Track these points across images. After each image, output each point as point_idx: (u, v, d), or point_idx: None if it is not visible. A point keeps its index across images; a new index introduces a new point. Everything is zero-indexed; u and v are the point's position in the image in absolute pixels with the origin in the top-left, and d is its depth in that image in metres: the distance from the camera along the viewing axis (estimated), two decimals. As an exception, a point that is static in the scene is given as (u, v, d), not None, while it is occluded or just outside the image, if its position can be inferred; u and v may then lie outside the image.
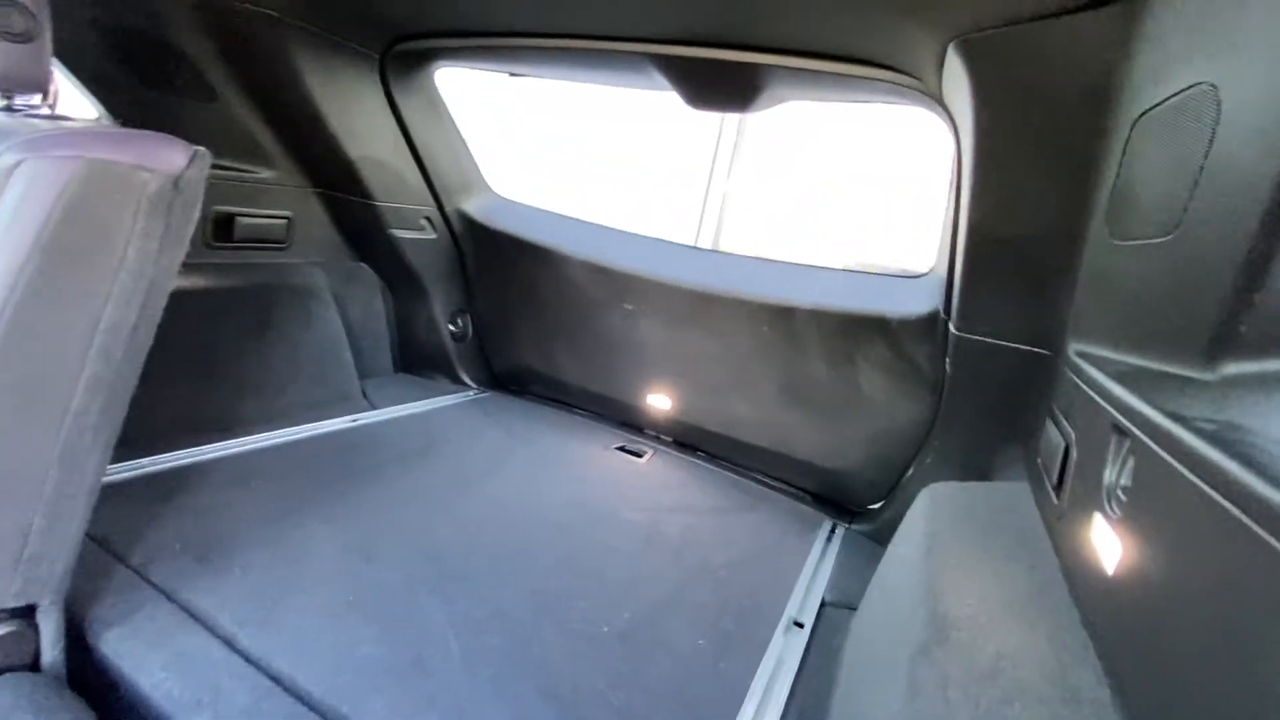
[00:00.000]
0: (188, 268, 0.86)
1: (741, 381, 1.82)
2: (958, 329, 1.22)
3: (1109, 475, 0.65)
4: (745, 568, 1.36)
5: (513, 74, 1.84)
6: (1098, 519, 0.66)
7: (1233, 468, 0.43)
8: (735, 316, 1.74)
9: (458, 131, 2.05)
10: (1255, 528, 0.39)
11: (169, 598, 0.96)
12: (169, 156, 0.81)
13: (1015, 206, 1.01)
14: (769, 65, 1.27)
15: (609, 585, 1.20)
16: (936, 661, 0.66)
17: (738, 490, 1.77)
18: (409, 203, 1.96)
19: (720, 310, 1.75)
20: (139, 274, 0.79)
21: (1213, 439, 0.47)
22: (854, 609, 1.23)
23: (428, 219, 2.04)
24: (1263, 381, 0.51)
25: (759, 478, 1.89)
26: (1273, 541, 0.37)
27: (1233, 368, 0.55)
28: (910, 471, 1.58)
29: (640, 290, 1.86)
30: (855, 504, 1.78)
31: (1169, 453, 0.52)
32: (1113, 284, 0.81)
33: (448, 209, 2.06)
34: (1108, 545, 0.62)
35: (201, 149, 0.84)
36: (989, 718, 0.58)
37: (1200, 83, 0.61)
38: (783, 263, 1.85)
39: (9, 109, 0.92)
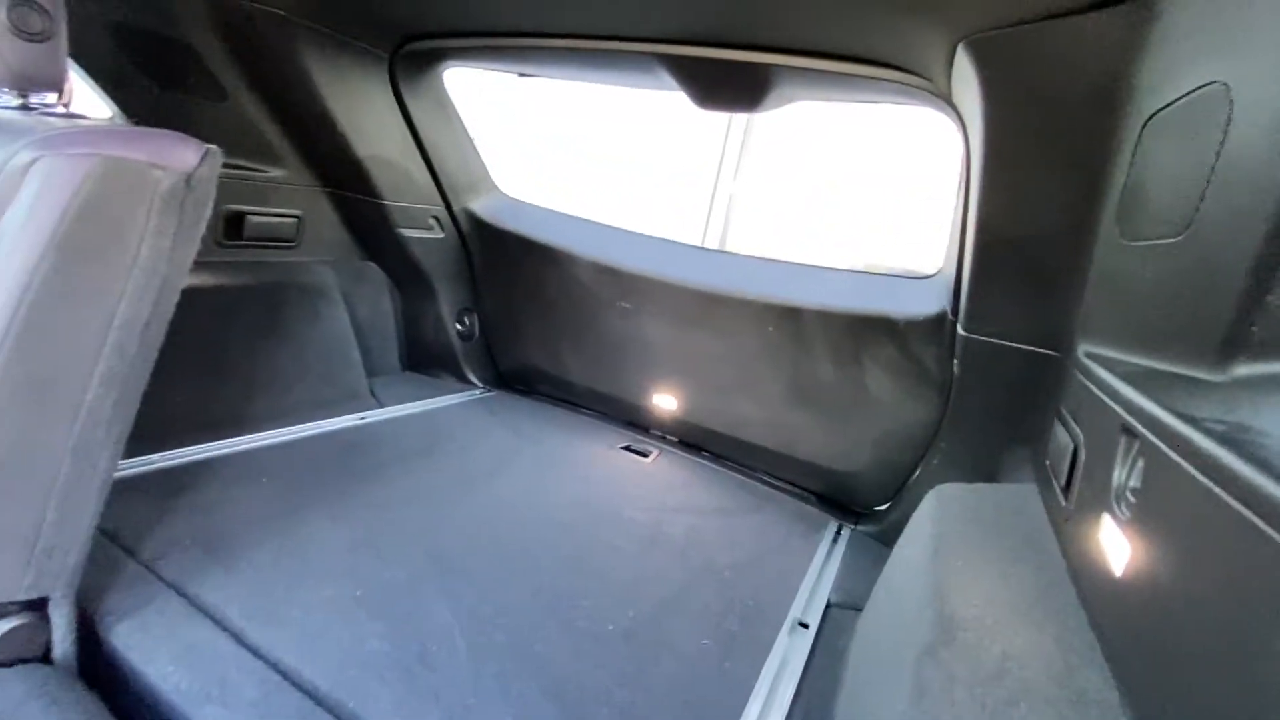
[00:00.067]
0: (199, 266, 0.87)
1: (747, 382, 1.82)
2: (966, 330, 1.21)
3: (1118, 476, 0.65)
4: (750, 568, 1.36)
5: (521, 74, 1.85)
6: (1106, 520, 0.65)
7: (1243, 469, 0.42)
8: (741, 317, 1.74)
9: (466, 131, 2.05)
10: (1266, 529, 0.39)
11: (178, 592, 0.97)
12: (181, 154, 0.82)
13: (1024, 207, 1.00)
14: (777, 65, 1.27)
15: (613, 584, 1.21)
16: (943, 662, 0.66)
17: (743, 491, 1.77)
18: (417, 202, 1.97)
19: (726, 310, 1.75)
20: (152, 270, 0.80)
21: (1223, 440, 0.46)
22: (859, 610, 1.22)
23: (435, 218, 2.05)
24: (1274, 382, 0.51)
25: (764, 478, 1.89)
26: None
27: (1244, 369, 0.55)
28: (917, 473, 1.57)
29: (646, 290, 1.86)
30: (861, 505, 1.78)
31: (1179, 454, 0.51)
32: (1122, 285, 0.81)
33: (455, 208, 2.07)
34: (1116, 547, 0.62)
35: (213, 147, 0.85)
36: (995, 718, 0.58)
37: (1212, 82, 0.61)
38: (789, 263, 1.85)
39: (25, 107, 0.93)
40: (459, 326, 2.22)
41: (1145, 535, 0.57)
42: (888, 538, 1.51)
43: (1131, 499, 0.62)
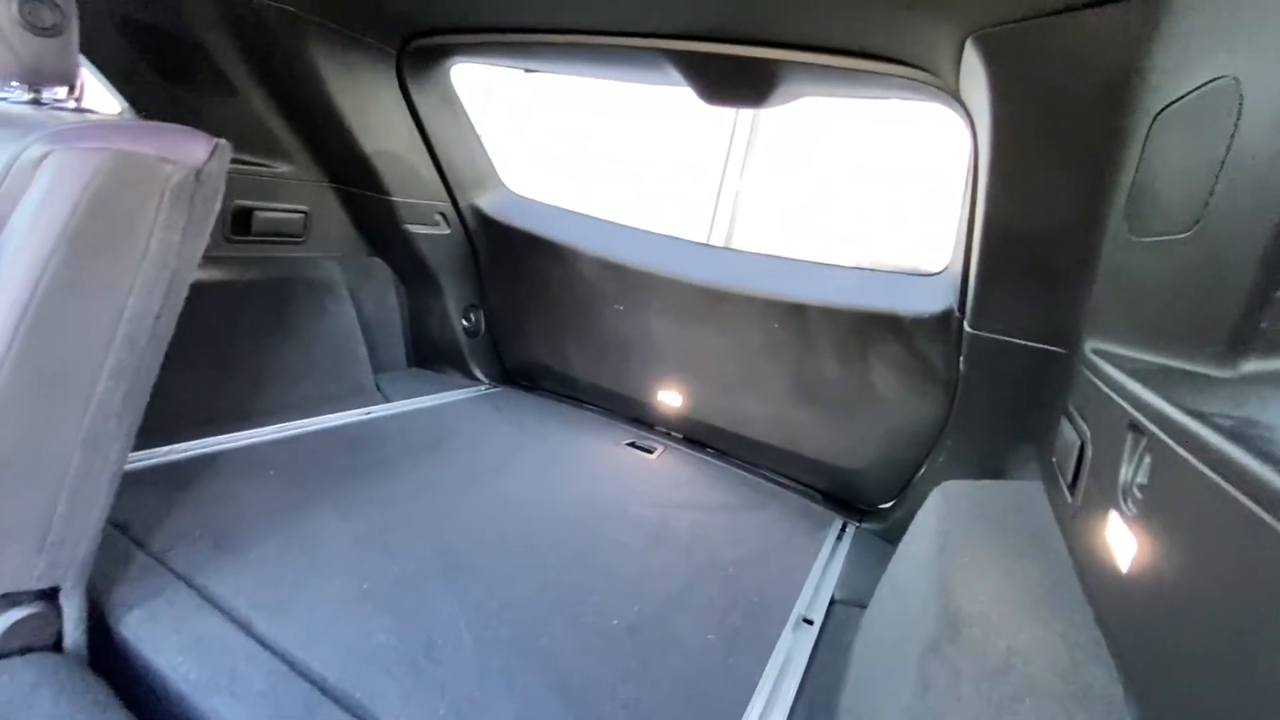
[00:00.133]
0: (207, 260, 0.88)
1: (753, 379, 1.82)
2: (972, 327, 1.21)
3: (1125, 473, 0.64)
4: (755, 565, 1.36)
5: (528, 70, 1.85)
6: (1113, 516, 0.65)
7: (1252, 463, 0.42)
8: (747, 314, 1.74)
9: (472, 128, 2.06)
10: (1275, 523, 0.39)
11: (187, 583, 0.98)
12: (191, 149, 0.82)
13: (1032, 203, 1.00)
14: (784, 61, 1.27)
15: (619, 580, 1.21)
16: (948, 657, 0.66)
17: (748, 488, 1.77)
18: (424, 198, 1.98)
19: (732, 307, 1.75)
20: (162, 264, 0.80)
21: (1231, 435, 0.46)
22: (864, 607, 1.22)
23: (442, 214, 2.06)
24: None
25: (769, 475, 1.89)
26: None
27: (1253, 365, 0.54)
28: (922, 470, 1.57)
29: (652, 287, 1.86)
30: (866, 503, 1.77)
31: (1187, 449, 0.51)
32: (1131, 281, 0.80)
33: (462, 205, 2.08)
34: (1122, 543, 0.62)
35: (222, 141, 0.85)
36: (1000, 713, 0.58)
37: (1222, 76, 0.61)
38: (795, 260, 1.85)
39: (36, 102, 0.94)
40: (465, 323, 2.22)
41: (1152, 531, 0.57)
42: (892, 535, 1.50)
43: (1138, 495, 0.62)
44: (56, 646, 0.84)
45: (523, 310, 2.20)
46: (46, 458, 0.78)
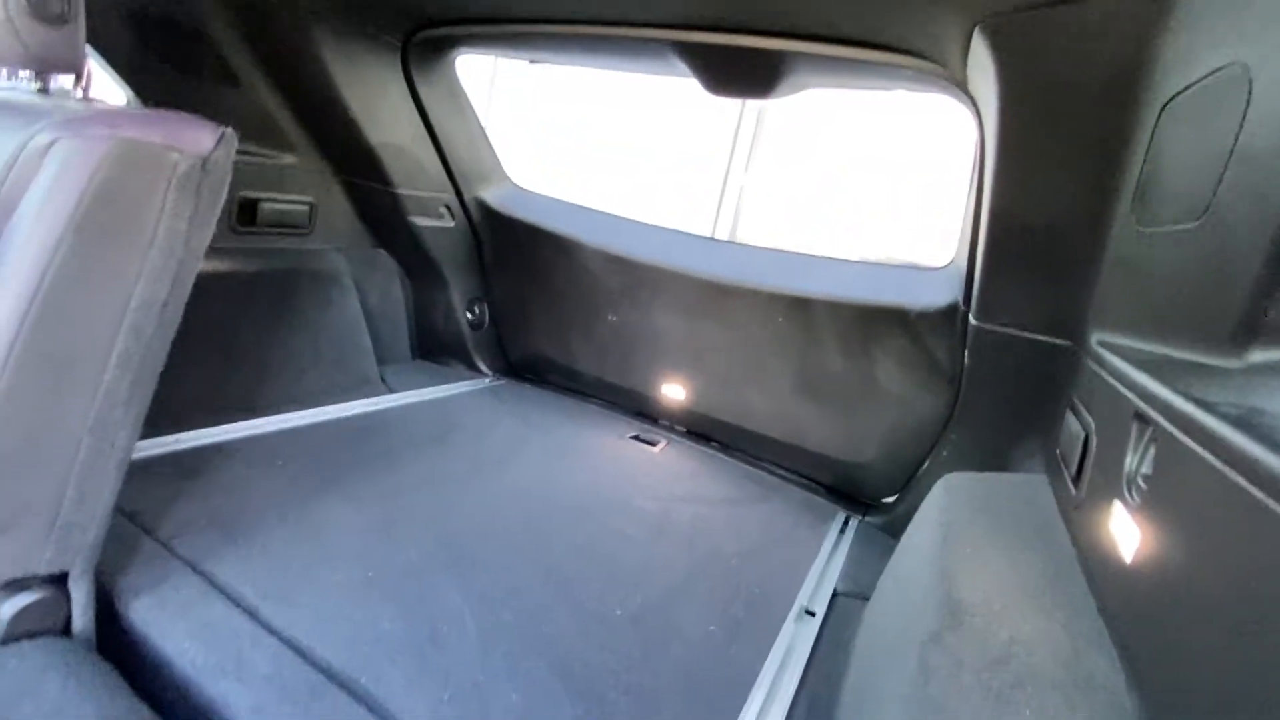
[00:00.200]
0: (214, 251, 0.88)
1: (757, 373, 1.82)
2: (977, 319, 1.20)
3: (1130, 463, 0.64)
4: (757, 557, 1.36)
5: (533, 61, 1.85)
6: (1117, 507, 0.65)
7: (1259, 451, 0.42)
8: (751, 308, 1.73)
9: (477, 120, 2.06)
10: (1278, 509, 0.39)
11: (194, 570, 0.98)
12: (197, 137, 0.82)
13: (1039, 194, 0.99)
14: (790, 51, 1.26)
15: (622, 570, 1.21)
16: (949, 647, 0.66)
17: (751, 481, 1.77)
18: (428, 190, 1.98)
19: (736, 301, 1.75)
20: (169, 252, 0.81)
21: (1237, 423, 0.46)
22: (866, 599, 1.23)
23: (447, 207, 2.06)
24: None
25: (772, 469, 1.89)
26: None
27: (1259, 355, 0.54)
28: (926, 464, 1.57)
29: (656, 281, 1.86)
30: (869, 497, 1.77)
31: (1193, 438, 0.51)
32: (1137, 272, 0.80)
33: (466, 197, 2.08)
34: (1126, 533, 0.62)
35: (228, 130, 0.85)
36: (1001, 702, 0.58)
37: (1231, 64, 0.60)
38: (799, 254, 1.84)
39: (44, 91, 0.95)
40: (469, 315, 2.23)
41: (1156, 521, 0.57)
42: (896, 529, 1.50)
43: (1143, 485, 0.61)
44: (65, 631, 0.84)
45: (527, 303, 2.21)
46: (55, 444, 0.78)
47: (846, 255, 1.82)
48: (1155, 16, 0.76)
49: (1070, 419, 0.91)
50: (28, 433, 0.76)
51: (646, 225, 2.03)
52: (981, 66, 0.95)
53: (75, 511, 0.81)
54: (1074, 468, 0.84)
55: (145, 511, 1.09)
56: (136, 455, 0.95)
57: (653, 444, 1.89)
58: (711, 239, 2.08)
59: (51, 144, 0.76)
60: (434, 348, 2.27)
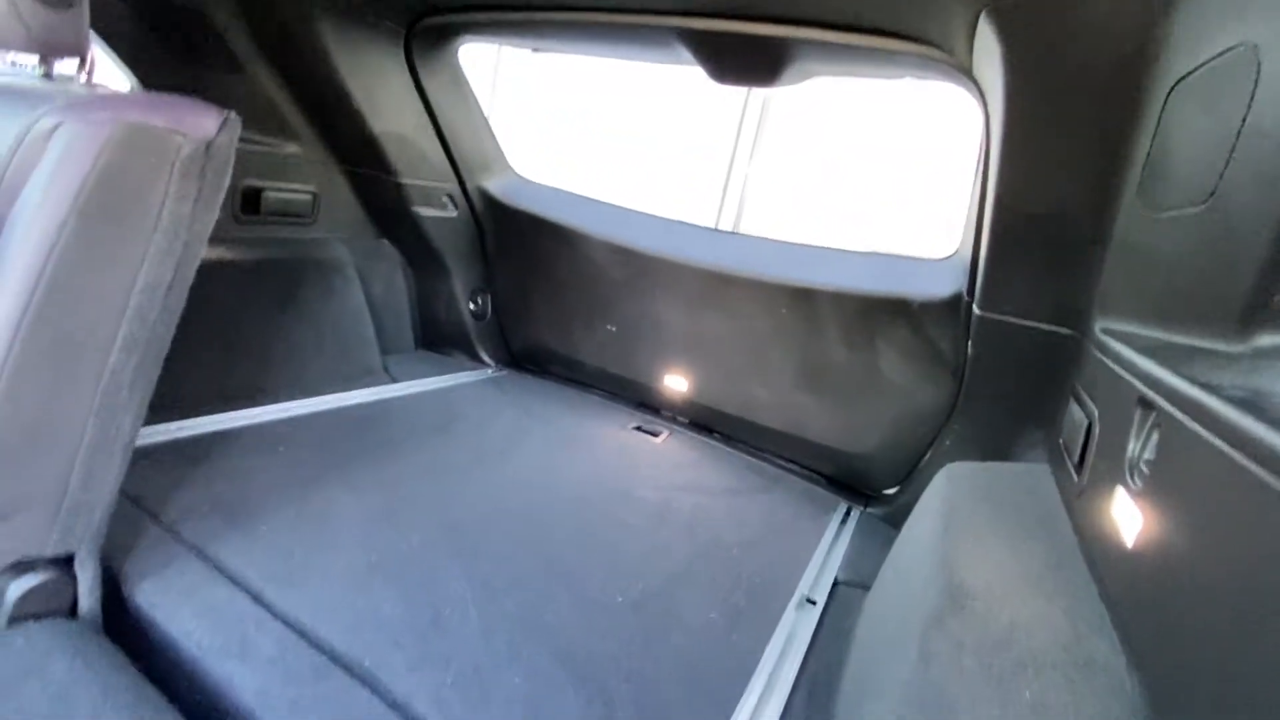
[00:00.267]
0: (218, 240, 0.89)
1: (759, 364, 1.82)
2: (981, 309, 1.20)
3: (1132, 449, 0.64)
4: (758, 546, 1.37)
5: (536, 49, 1.84)
6: (1119, 492, 0.65)
7: (1263, 431, 0.42)
8: (754, 298, 1.73)
9: (480, 110, 2.05)
10: None
11: (199, 554, 0.99)
12: (201, 121, 0.82)
13: (1045, 181, 0.99)
14: (796, 38, 1.25)
15: (623, 558, 1.22)
16: (950, 631, 0.66)
17: (752, 472, 1.77)
18: (431, 180, 1.98)
19: (739, 292, 1.75)
20: (173, 236, 0.81)
21: (1242, 405, 0.46)
22: (867, 589, 1.23)
23: (450, 197, 2.06)
24: None
25: (774, 460, 1.89)
26: None
27: (1265, 339, 0.54)
28: (928, 456, 1.57)
29: (659, 271, 1.86)
30: (871, 488, 1.78)
31: (1196, 420, 0.51)
32: (1142, 257, 0.79)
33: (469, 187, 2.07)
34: (1129, 518, 0.62)
35: (232, 114, 0.85)
36: (1002, 684, 0.58)
37: (1239, 44, 0.60)
38: (803, 245, 1.84)
39: (47, 76, 0.95)
40: (472, 306, 2.23)
41: (1159, 504, 0.57)
42: (897, 520, 1.50)
43: (1145, 471, 0.61)
44: (71, 613, 0.85)
45: (529, 294, 2.21)
46: (60, 426, 0.79)
47: (852, 246, 1.81)
48: None
49: (1073, 407, 0.91)
50: (34, 416, 0.76)
51: (649, 215, 2.02)
52: (988, 52, 0.94)
53: (81, 494, 0.82)
54: (1077, 455, 0.84)
55: (150, 496, 1.10)
56: (141, 441, 0.96)
57: (655, 435, 1.89)
58: (714, 229, 2.08)
59: (55, 128, 0.76)
60: (437, 338, 2.28)
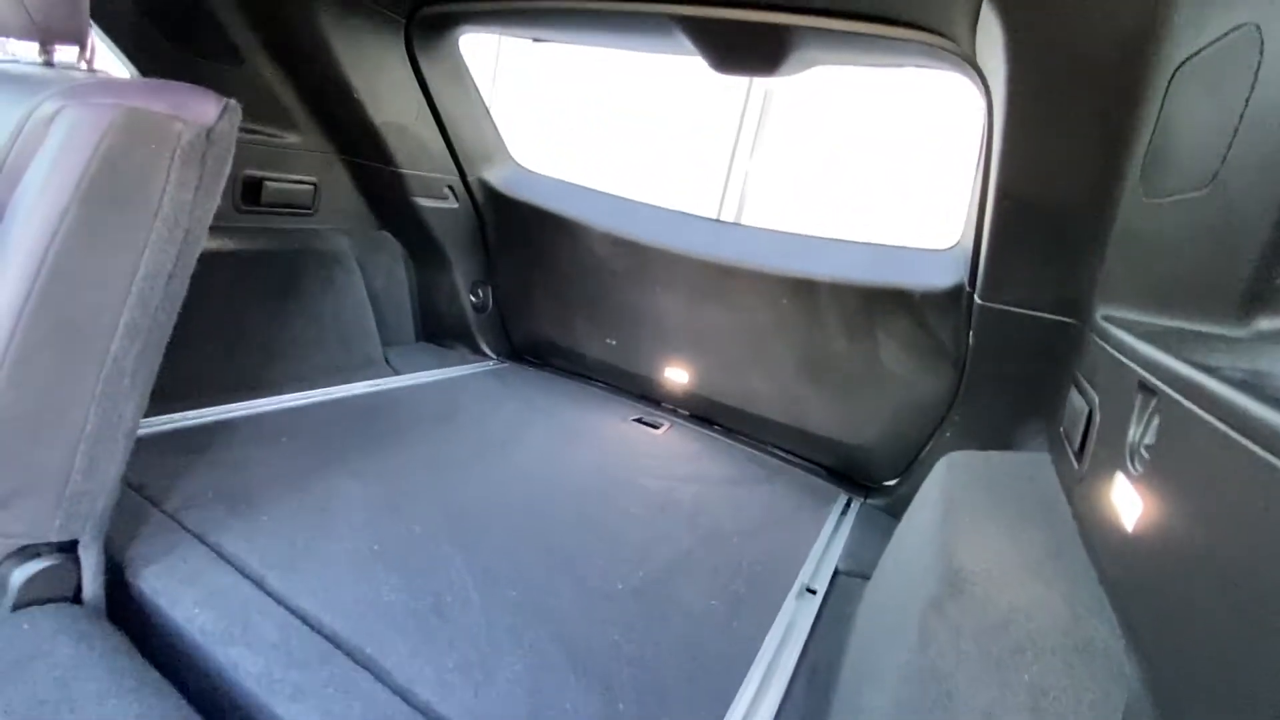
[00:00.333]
0: (220, 230, 0.89)
1: (760, 355, 1.82)
2: (983, 299, 1.20)
3: (1133, 434, 0.64)
4: (759, 536, 1.37)
5: (536, 39, 1.83)
6: (1119, 478, 0.65)
7: (1263, 411, 0.42)
8: (755, 290, 1.73)
9: (481, 100, 2.05)
10: None
11: (201, 541, 1.00)
12: (201, 108, 0.82)
13: (1047, 169, 0.98)
14: (797, 26, 1.25)
15: (624, 546, 1.22)
16: (949, 614, 0.66)
17: (753, 463, 1.78)
18: (432, 171, 1.97)
19: (740, 283, 1.75)
20: (174, 223, 0.81)
21: (1242, 387, 0.46)
22: (868, 578, 1.23)
23: (450, 188, 2.05)
24: None
25: (775, 451, 1.89)
26: None
27: (1266, 322, 0.54)
28: (929, 447, 1.57)
29: (660, 263, 1.85)
30: (872, 479, 1.78)
31: (1196, 403, 0.51)
32: (1144, 244, 0.79)
33: (470, 178, 2.07)
34: (1128, 503, 0.62)
35: (232, 101, 0.85)
36: (1000, 667, 0.58)
37: (1242, 25, 0.59)
38: (804, 236, 1.83)
39: (48, 64, 0.94)
40: (473, 298, 2.23)
41: (1158, 488, 0.57)
42: (898, 510, 1.51)
43: (1145, 455, 0.61)
44: (75, 598, 0.86)
45: (530, 286, 2.21)
46: (63, 412, 0.79)
47: (853, 236, 1.80)
48: None
49: (1074, 395, 0.91)
50: (37, 401, 0.77)
51: (650, 206, 2.02)
52: (991, 38, 0.94)
53: (84, 480, 0.82)
54: (1077, 443, 0.84)
55: (153, 485, 1.10)
56: (143, 431, 0.96)
57: (656, 427, 1.89)
58: (716, 220, 2.07)
59: (57, 113, 0.76)
60: (438, 330, 2.28)
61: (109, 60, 1.49)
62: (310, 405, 1.59)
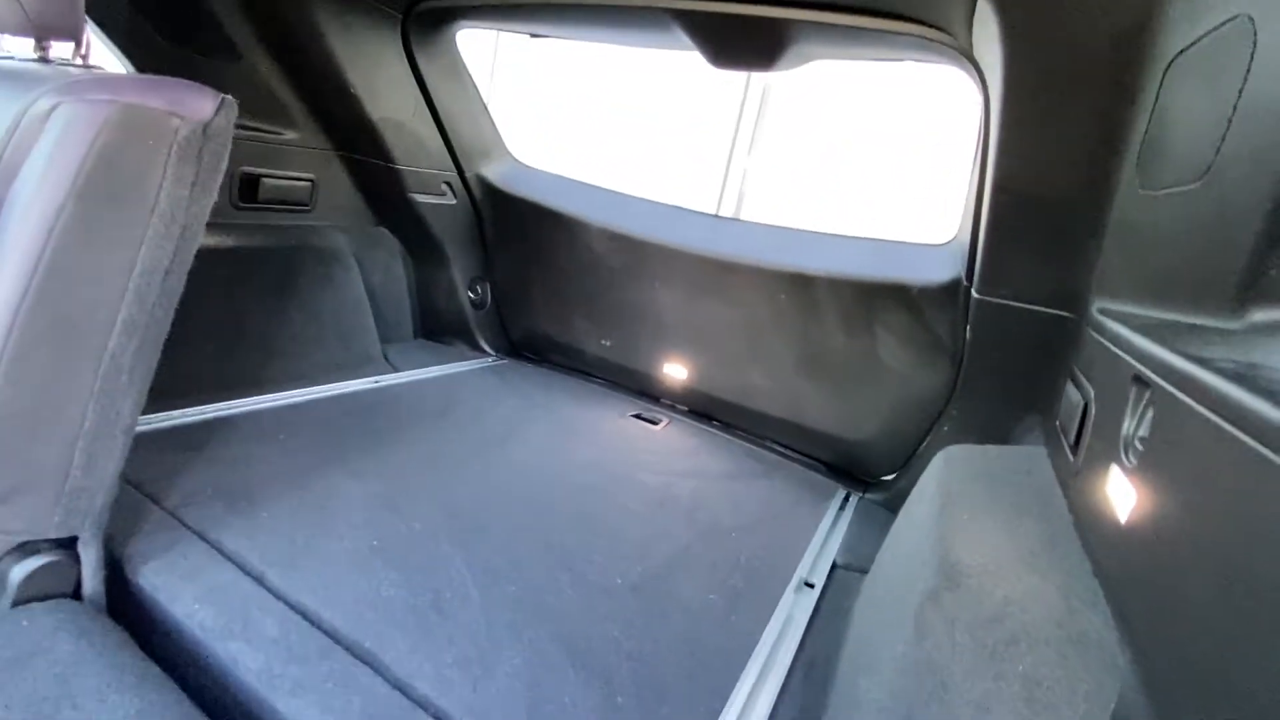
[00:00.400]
0: (217, 227, 0.89)
1: (758, 351, 1.82)
2: (980, 293, 1.20)
3: (1127, 426, 0.65)
4: (757, 531, 1.37)
5: (533, 35, 1.83)
6: (1114, 470, 0.65)
7: (1255, 402, 0.42)
8: (753, 285, 1.73)
9: (479, 95, 2.04)
10: (1277, 460, 0.39)
11: (201, 537, 1.00)
12: (198, 104, 0.82)
13: (1043, 162, 0.99)
14: (794, 20, 1.25)
15: (622, 542, 1.23)
16: (945, 606, 0.67)
17: (752, 459, 1.78)
18: (430, 167, 1.97)
19: (738, 279, 1.75)
20: (171, 219, 0.81)
21: (1236, 379, 0.46)
22: (865, 572, 1.24)
23: (448, 184, 2.05)
24: None
25: (773, 447, 1.90)
26: None
27: (1260, 315, 0.54)
28: (927, 441, 1.57)
29: (658, 258, 1.85)
30: (870, 474, 1.78)
31: (1189, 395, 0.51)
32: (1139, 237, 0.80)
33: (468, 174, 2.07)
34: (1123, 495, 0.62)
35: (228, 97, 0.85)
36: (994, 658, 0.59)
37: (1236, 16, 0.59)
38: (802, 231, 1.83)
39: (44, 60, 0.94)
40: (471, 295, 2.23)
41: (1152, 481, 0.57)
42: (895, 505, 1.51)
43: (1139, 448, 0.62)
44: (75, 594, 0.86)
45: (529, 282, 2.20)
46: (61, 409, 0.79)
47: (851, 231, 1.80)
48: None
49: (1070, 389, 0.92)
50: (35, 398, 0.77)
51: (648, 202, 2.02)
52: (987, 31, 0.94)
53: (83, 477, 0.82)
54: (1073, 436, 0.85)
55: (152, 481, 1.10)
56: (142, 428, 0.96)
57: (654, 422, 1.90)
58: (714, 215, 2.07)
59: (53, 109, 0.76)
60: (436, 327, 2.28)
61: (105, 56, 1.49)
62: (309, 402, 1.59)
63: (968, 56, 1.13)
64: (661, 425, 1.89)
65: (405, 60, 1.79)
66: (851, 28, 1.21)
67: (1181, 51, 0.71)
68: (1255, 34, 0.56)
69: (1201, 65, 0.66)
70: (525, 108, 6.23)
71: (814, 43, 1.35)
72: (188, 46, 1.51)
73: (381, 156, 1.85)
